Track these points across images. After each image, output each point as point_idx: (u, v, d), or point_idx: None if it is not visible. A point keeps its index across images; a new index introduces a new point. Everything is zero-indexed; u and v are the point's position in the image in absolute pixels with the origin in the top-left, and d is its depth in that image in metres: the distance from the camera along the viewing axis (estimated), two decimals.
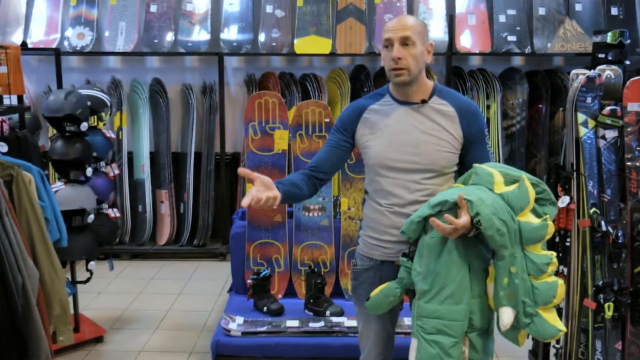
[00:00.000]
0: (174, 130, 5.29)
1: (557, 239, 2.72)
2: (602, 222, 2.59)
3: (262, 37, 4.98)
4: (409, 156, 2.04)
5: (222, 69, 4.95)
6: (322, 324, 3.12)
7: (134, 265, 5.01)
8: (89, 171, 3.40)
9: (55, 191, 3.19)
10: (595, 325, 2.66)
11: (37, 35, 5.04)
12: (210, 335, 3.28)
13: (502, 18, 4.98)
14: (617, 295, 2.57)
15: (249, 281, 3.38)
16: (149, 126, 5.17)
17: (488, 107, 4.93)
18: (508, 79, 5.01)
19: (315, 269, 3.43)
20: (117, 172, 3.70)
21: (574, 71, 2.71)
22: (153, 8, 5.08)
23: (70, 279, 3.44)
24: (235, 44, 5.01)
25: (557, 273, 2.53)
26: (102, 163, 3.61)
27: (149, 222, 5.15)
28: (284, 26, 5.02)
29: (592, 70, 2.66)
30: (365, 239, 2.19)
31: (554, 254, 1.88)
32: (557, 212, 2.17)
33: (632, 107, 2.59)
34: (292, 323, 3.14)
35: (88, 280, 3.57)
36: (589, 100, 2.62)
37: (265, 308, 3.26)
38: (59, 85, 4.85)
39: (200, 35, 5.06)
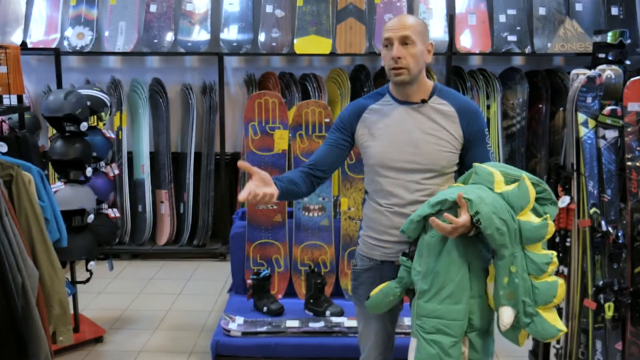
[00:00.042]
0: (173, 130, 5.29)
1: (557, 239, 2.72)
2: (603, 222, 2.59)
3: (262, 37, 4.98)
4: (409, 156, 2.04)
5: (222, 69, 4.95)
6: (322, 324, 3.11)
7: (134, 265, 5.01)
8: (89, 171, 3.40)
9: (55, 191, 3.19)
10: (596, 326, 2.66)
11: (37, 35, 5.04)
12: (210, 336, 3.28)
13: (502, 18, 4.97)
14: (617, 295, 2.57)
15: (248, 281, 3.38)
16: (148, 126, 5.17)
17: (488, 107, 4.93)
18: (508, 79, 5.01)
19: (315, 269, 3.42)
20: (117, 172, 3.70)
21: (574, 71, 2.71)
22: (153, 8, 5.08)
23: (70, 279, 3.44)
24: (235, 43, 5.01)
25: (557, 273, 2.53)
26: (102, 163, 3.61)
27: (149, 222, 5.14)
28: (284, 26, 5.01)
29: (593, 70, 2.65)
30: (365, 239, 2.18)
31: (555, 253, 1.88)
32: (558, 212, 2.17)
33: (632, 107, 2.58)
34: (292, 323, 3.13)
35: (88, 280, 3.57)
36: (589, 100, 2.62)
37: (265, 308, 3.26)
38: (59, 85, 4.84)
39: (200, 35, 5.06)
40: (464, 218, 1.82)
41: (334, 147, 2.15)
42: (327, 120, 3.46)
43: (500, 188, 1.89)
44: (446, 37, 4.91)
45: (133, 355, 3.40)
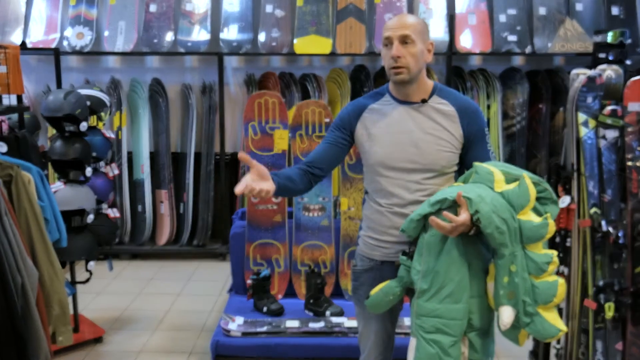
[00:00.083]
0: (173, 130, 5.28)
1: (557, 239, 2.71)
2: (603, 222, 2.58)
3: (262, 37, 4.98)
4: (410, 156, 2.04)
5: (221, 69, 4.94)
6: (322, 324, 3.11)
7: (134, 265, 5.00)
8: (89, 171, 3.40)
9: (55, 191, 3.18)
10: (596, 326, 2.66)
11: (37, 35, 5.03)
12: (209, 336, 3.28)
13: (502, 18, 4.97)
14: (617, 295, 2.57)
15: (248, 281, 3.37)
16: (148, 126, 5.17)
17: (488, 107, 4.93)
18: (508, 79, 5.00)
19: (315, 269, 3.42)
20: (116, 172, 3.69)
21: (574, 71, 2.71)
22: (152, 8, 5.08)
23: (69, 279, 3.44)
24: (235, 43, 5.00)
25: (557, 273, 2.52)
26: (102, 163, 3.60)
27: (149, 222, 5.14)
28: (283, 26, 5.01)
29: (593, 70, 2.65)
30: (366, 239, 2.18)
31: (555, 252, 1.88)
32: (558, 211, 2.16)
33: (632, 107, 2.58)
34: (292, 323, 3.13)
35: (87, 280, 3.56)
36: (589, 100, 2.61)
37: (265, 308, 3.26)
38: (58, 85, 4.84)
39: (200, 35, 5.06)
40: (463, 217, 1.81)
41: (332, 145, 2.15)
42: (327, 120, 3.46)
43: (500, 187, 1.89)
44: (446, 37, 4.91)
45: (133, 356, 3.40)
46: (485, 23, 4.98)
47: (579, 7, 4.98)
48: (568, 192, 2.68)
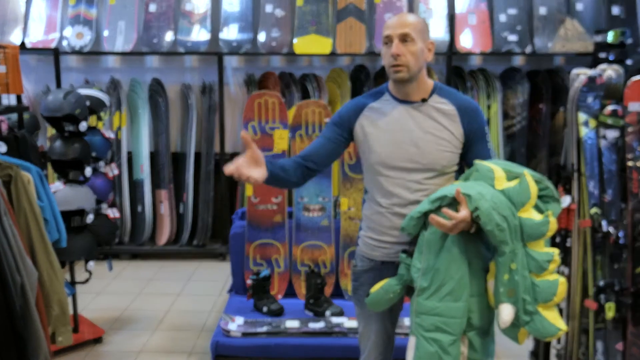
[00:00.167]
0: (173, 131, 5.28)
1: (558, 240, 2.71)
2: (603, 223, 2.58)
3: (261, 37, 4.97)
4: (410, 155, 2.04)
5: (221, 69, 4.94)
6: (322, 324, 3.11)
7: (134, 265, 5.00)
8: (88, 171, 3.39)
9: (54, 191, 3.18)
10: (596, 326, 2.65)
11: (36, 35, 5.03)
12: (209, 336, 3.27)
13: (502, 17, 4.97)
14: (618, 295, 2.56)
15: (248, 281, 3.37)
16: (148, 126, 5.16)
17: (489, 107, 4.93)
18: (509, 79, 5.00)
19: (315, 270, 3.42)
20: (116, 172, 3.69)
21: (574, 71, 2.70)
22: (152, 7, 5.07)
23: (69, 280, 3.43)
24: (234, 43, 5.00)
25: (557, 273, 2.51)
26: (101, 163, 3.60)
27: (149, 223, 5.14)
28: (283, 26, 5.01)
29: (593, 70, 2.65)
30: (366, 239, 2.18)
31: (557, 251, 1.87)
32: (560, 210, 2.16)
33: (633, 107, 2.57)
34: (292, 324, 3.13)
35: (87, 280, 3.56)
36: (590, 100, 2.61)
37: (265, 308, 3.26)
38: (58, 85, 4.84)
39: (199, 35, 5.05)
40: (463, 213, 1.81)
41: (329, 141, 2.13)
42: (327, 120, 3.45)
43: (501, 185, 1.88)
44: (446, 37, 4.91)
45: (132, 356, 3.40)
46: (486, 23, 4.97)
47: (579, 6, 4.98)
48: (568, 192, 2.68)
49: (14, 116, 3.52)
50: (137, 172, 5.15)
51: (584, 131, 2.62)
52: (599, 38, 4.45)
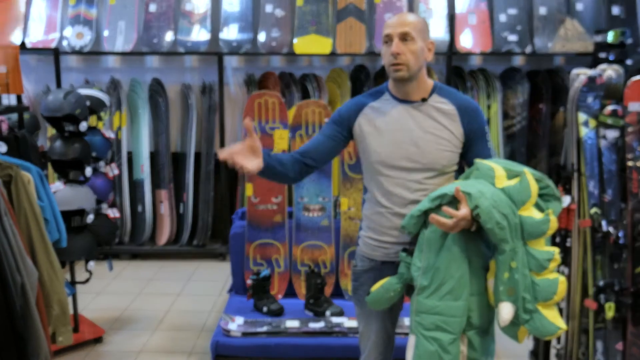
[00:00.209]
0: (173, 130, 5.28)
1: (557, 239, 2.71)
2: (603, 223, 2.58)
3: (261, 37, 4.97)
4: (410, 155, 2.04)
5: (221, 69, 4.94)
6: (322, 324, 3.11)
7: (134, 265, 5.00)
8: (88, 171, 3.39)
9: (55, 191, 3.18)
10: (596, 326, 2.65)
11: (36, 35, 5.03)
12: (209, 336, 3.27)
13: (502, 17, 4.97)
14: (618, 295, 2.56)
15: (248, 281, 3.37)
16: (148, 126, 5.16)
17: (489, 107, 4.93)
18: (509, 79, 5.00)
19: (315, 270, 3.42)
20: (116, 172, 3.69)
21: (574, 71, 2.70)
22: (152, 7, 5.07)
23: (69, 280, 3.43)
24: (234, 43, 5.00)
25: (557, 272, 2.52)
26: (102, 163, 3.60)
27: (149, 223, 5.14)
28: (283, 26, 5.01)
29: (593, 70, 2.65)
30: (366, 239, 2.18)
31: (557, 250, 1.87)
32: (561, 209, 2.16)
33: (633, 107, 2.57)
34: (292, 323, 3.13)
35: (87, 280, 3.56)
36: (590, 100, 2.61)
37: (265, 308, 3.26)
38: (58, 85, 4.84)
39: (199, 35, 5.05)
40: (463, 211, 1.80)
41: (328, 138, 2.13)
42: (327, 120, 3.45)
43: (501, 183, 1.88)
44: (446, 37, 4.91)
45: (133, 356, 3.40)
46: (486, 23, 4.97)
47: (579, 6, 4.98)
48: (568, 192, 2.68)
49: (14, 116, 3.52)
50: (137, 172, 5.15)
51: (584, 131, 2.62)
52: (599, 38, 4.45)
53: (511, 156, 4.98)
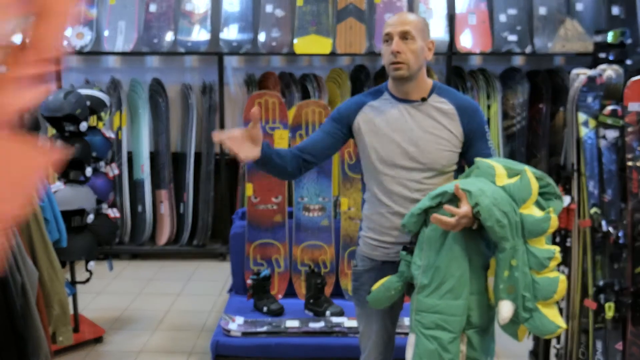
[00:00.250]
0: (173, 131, 5.28)
1: (557, 239, 2.71)
2: (603, 222, 2.58)
3: (262, 37, 4.97)
4: (409, 155, 2.04)
5: (221, 69, 4.94)
6: (322, 324, 3.11)
7: (134, 265, 5.00)
8: (89, 171, 3.40)
9: (55, 191, 3.18)
10: (596, 326, 2.66)
11: None
12: (210, 336, 3.28)
13: (502, 18, 4.97)
14: (617, 295, 2.57)
15: (248, 281, 3.37)
16: (148, 126, 5.17)
17: (488, 107, 4.93)
18: (508, 79, 5.00)
19: (315, 269, 3.42)
20: (116, 172, 3.69)
21: (574, 71, 2.71)
22: (152, 7, 5.07)
23: (69, 279, 3.43)
24: (235, 43, 5.00)
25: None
26: (102, 163, 3.60)
27: (149, 222, 5.14)
28: (284, 26, 5.01)
29: (593, 70, 2.65)
30: (366, 240, 2.18)
31: (558, 248, 1.86)
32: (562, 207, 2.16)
33: (632, 107, 2.58)
34: (292, 323, 3.13)
35: (87, 280, 3.56)
36: (589, 100, 2.61)
37: (265, 308, 3.26)
38: (58, 85, 4.84)
39: (200, 35, 5.06)
40: (465, 209, 1.79)
41: (327, 135, 2.12)
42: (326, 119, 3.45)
43: (502, 181, 1.88)
44: (446, 37, 4.91)
45: (133, 356, 3.40)
46: (486, 23, 4.98)
47: (579, 7, 4.98)
48: (568, 192, 2.68)
49: None
50: (137, 172, 5.16)
51: (583, 131, 2.62)
52: (598, 38, 4.45)
53: (511, 156, 4.98)
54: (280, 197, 3.53)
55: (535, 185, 1.85)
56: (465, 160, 2.10)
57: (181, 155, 5.22)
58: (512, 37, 4.93)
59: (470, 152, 2.06)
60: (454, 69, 4.97)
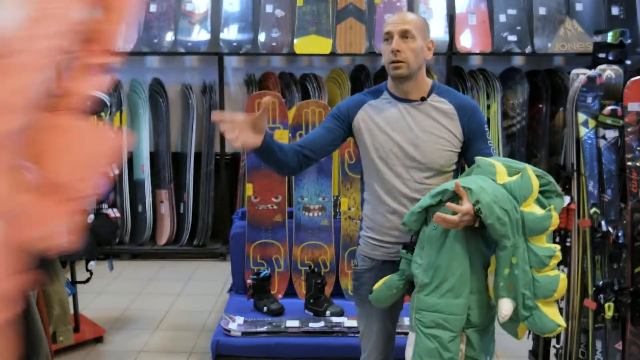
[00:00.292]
0: (173, 130, 5.28)
1: (557, 239, 2.72)
2: (603, 222, 2.59)
3: (262, 37, 4.98)
4: (408, 154, 2.04)
5: (222, 69, 4.95)
6: (322, 324, 3.11)
7: (134, 265, 5.00)
8: None
9: None
10: (596, 326, 2.66)
11: None
12: (210, 336, 3.28)
13: (502, 18, 4.97)
14: (617, 295, 2.57)
15: (248, 281, 3.37)
16: (148, 126, 5.17)
17: (488, 107, 4.93)
18: (508, 79, 5.01)
19: (315, 269, 3.42)
20: (116, 172, 3.69)
21: (574, 71, 2.71)
22: (153, 8, 5.08)
23: (70, 279, 3.44)
24: (235, 43, 5.00)
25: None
26: None
27: (149, 222, 5.14)
28: (284, 26, 5.01)
29: (593, 70, 2.65)
30: (366, 239, 2.18)
31: (558, 247, 1.86)
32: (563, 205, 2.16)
33: (632, 107, 2.58)
34: (292, 323, 3.13)
35: (88, 280, 3.56)
36: (589, 100, 2.62)
37: (265, 308, 3.26)
38: None
39: (200, 35, 5.06)
40: (466, 206, 1.79)
41: (327, 131, 2.11)
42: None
43: (502, 179, 1.88)
44: (446, 37, 4.91)
45: (133, 356, 3.40)
46: (485, 23, 4.98)
47: (579, 7, 4.99)
48: (568, 192, 2.68)
49: None
50: (137, 172, 5.16)
51: (583, 131, 2.62)
52: (598, 38, 4.45)
53: (511, 156, 4.98)
54: (280, 197, 3.54)
55: (536, 183, 1.85)
56: (465, 160, 2.10)
57: (181, 155, 5.23)
58: (512, 37, 4.94)
59: (470, 151, 2.06)
60: (454, 69, 4.97)
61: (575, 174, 2.66)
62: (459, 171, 2.13)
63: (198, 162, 5.16)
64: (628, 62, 4.25)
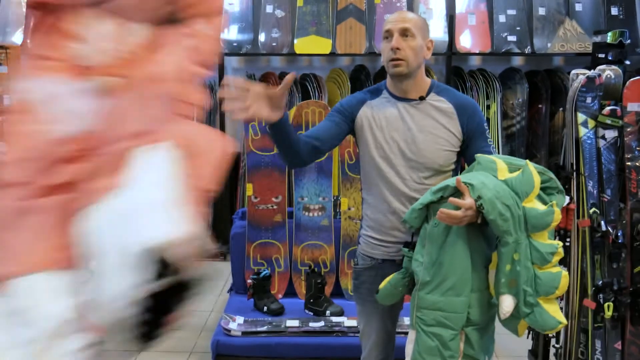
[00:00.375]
0: None
1: (557, 239, 2.72)
2: (602, 222, 2.59)
3: (262, 37, 4.98)
4: (407, 154, 2.05)
5: (222, 69, 4.95)
6: (322, 323, 3.12)
7: None
8: None
9: None
10: (595, 325, 2.66)
11: None
12: (210, 336, 3.28)
13: (502, 18, 4.98)
14: (616, 295, 2.58)
15: (249, 281, 3.38)
16: None
17: (488, 107, 4.94)
18: (508, 79, 5.01)
19: (315, 269, 3.43)
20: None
21: (574, 71, 2.72)
22: None
23: None
24: (235, 44, 5.01)
25: None
26: None
27: None
28: (284, 26, 5.02)
29: (592, 70, 2.66)
30: (367, 239, 2.19)
31: (560, 244, 1.86)
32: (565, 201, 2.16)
33: (632, 107, 2.59)
34: (292, 323, 3.14)
35: None
36: (588, 100, 2.62)
37: (265, 308, 3.26)
38: None
39: None
40: (469, 201, 1.78)
41: (333, 124, 2.11)
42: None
43: (503, 175, 1.88)
44: (446, 37, 4.92)
45: (133, 355, 3.40)
46: (485, 23, 4.98)
47: (578, 7, 4.99)
48: (567, 192, 2.69)
49: None
50: None
51: (582, 131, 2.63)
52: (597, 38, 4.46)
53: (510, 156, 4.98)
54: (280, 197, 3.54)
55: (537, 179, 1.84)
56: (465, 159, 2.10)
57: None
58: (512, 38, 4.94)
59: (470, 150, 2.07)
60: (453, 69, 4.98)
61: (574, 174, 2.67)
62: (458, 171, 2.14)
63: None
64: (627, 62, 4.25)
